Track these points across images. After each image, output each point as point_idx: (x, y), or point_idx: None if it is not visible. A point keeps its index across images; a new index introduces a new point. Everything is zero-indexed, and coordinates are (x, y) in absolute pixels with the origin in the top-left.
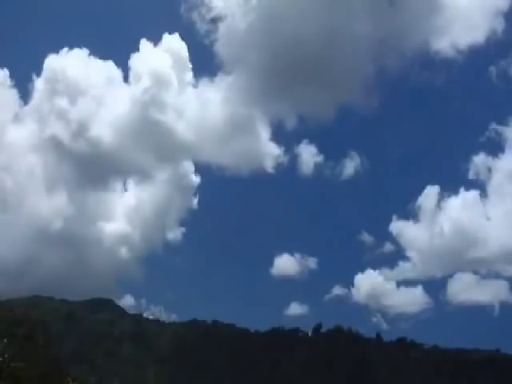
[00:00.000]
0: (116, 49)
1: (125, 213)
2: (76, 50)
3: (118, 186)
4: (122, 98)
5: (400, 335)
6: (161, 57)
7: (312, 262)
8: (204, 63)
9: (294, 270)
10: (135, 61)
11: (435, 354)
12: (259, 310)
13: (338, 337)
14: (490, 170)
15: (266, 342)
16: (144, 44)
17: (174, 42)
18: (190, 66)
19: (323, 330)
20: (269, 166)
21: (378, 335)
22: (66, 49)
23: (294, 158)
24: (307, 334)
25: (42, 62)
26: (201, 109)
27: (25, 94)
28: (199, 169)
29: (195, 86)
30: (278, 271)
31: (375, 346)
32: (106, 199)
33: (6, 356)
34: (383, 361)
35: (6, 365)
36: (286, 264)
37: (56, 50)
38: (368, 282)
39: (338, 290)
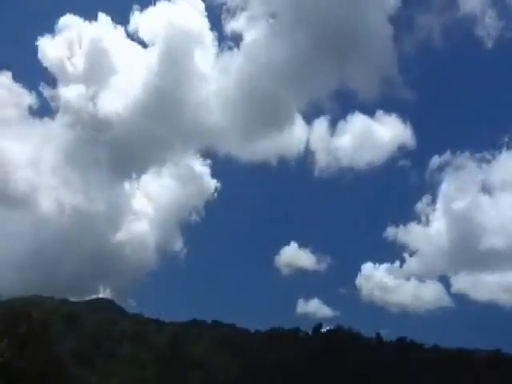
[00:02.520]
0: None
1: (130, 212)
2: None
3: (128, 181)
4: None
5: (401, 335)
6: (174, 18)
7: (321, 258)
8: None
9: (302, 266)
10: (144, 22)
11: (435, 353)
12: (267, 308)
13: (337, 337)
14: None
15: (266, 341)
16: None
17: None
18: (210, 29)
19: (323, 330)
20: (294, 152)
21: (378, 335)
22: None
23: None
24: (307, 333)
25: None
26: (220, 82)
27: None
28: (215, 158)
29: (215, 55)
30: (286, 267)
31: (375, 345)
32: (115, 197)
33: (6, 356)
34: (383, 361)
35: (6, 364)
36: (294, 260)
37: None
38: (376, 280)
39: (347, 288)
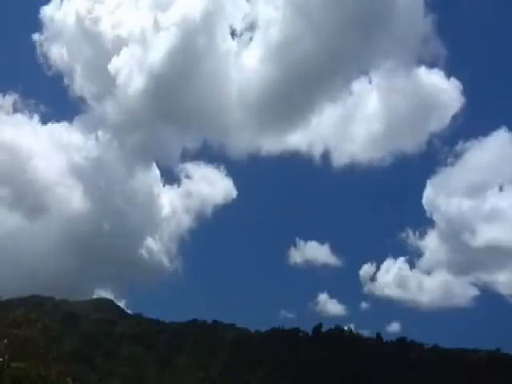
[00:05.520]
0: None
1: (137, 211)
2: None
3: (135, 175)
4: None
5: (402, 335)
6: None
7: (334, 255)
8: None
9: (314, 263)
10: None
11: (435, 353)
12: (276, 307)
13: (337, 337)
14: None
15: (266, 341)
16: None
17: None
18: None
19: (323, 329)
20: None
21: (378, 335)
22: None
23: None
24: (307, 333)
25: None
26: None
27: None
28: (232, 151)
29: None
30: (298, 264)
31: (375, 345)
32: (122, 195)
33: (6, 356)
34: (383, 361)
35: (6, 365)
36: (306, 257)
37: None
38: (389, 277)
39: (359, 286)
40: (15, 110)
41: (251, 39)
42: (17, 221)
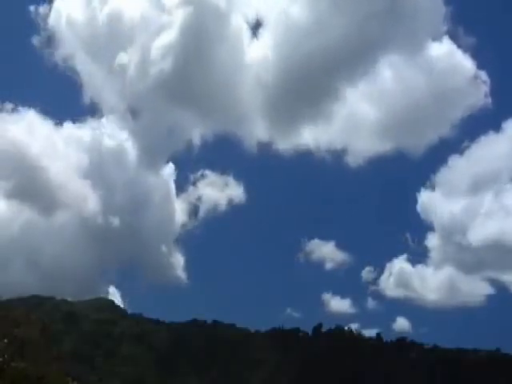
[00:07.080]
0: None
1: (142, 209)
2: None
3: (148, 172)
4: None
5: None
6: None
7: (343, 254)
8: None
9: (323, 262)
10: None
11: (435, 353)
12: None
13: (338, 337)
14: None
15: (266, 341)
16: None
17: None
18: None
19: (323, 329)
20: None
21: (378, 335)
22: None
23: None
24: (307, 333)
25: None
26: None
27: None
28: (238, 154)
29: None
30: (307, 263)
31: (375, 345)
32: (128, 192)
33: (5, 356)
34: (383, 361)
35: (5, 365)
36: (315, 256)
37: None
38: (396, 276)
39: (367, 284)
40: (21, 111)
41: (261, 32)
42: (29, 218)
